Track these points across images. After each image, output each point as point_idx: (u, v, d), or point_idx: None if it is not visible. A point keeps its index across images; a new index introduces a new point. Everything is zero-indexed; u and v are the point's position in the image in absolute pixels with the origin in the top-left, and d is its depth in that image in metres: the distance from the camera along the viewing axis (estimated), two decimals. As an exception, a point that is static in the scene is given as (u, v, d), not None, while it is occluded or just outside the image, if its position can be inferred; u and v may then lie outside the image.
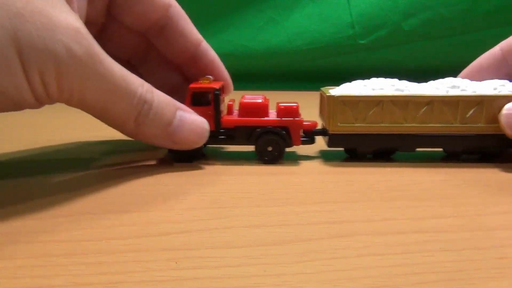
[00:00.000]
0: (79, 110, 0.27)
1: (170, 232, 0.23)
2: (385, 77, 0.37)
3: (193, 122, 0.31)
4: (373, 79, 0.36)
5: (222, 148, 0.40)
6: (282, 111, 0.35)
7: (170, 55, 0.37)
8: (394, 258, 0.20)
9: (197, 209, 0.26)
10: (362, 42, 0.92)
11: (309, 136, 0.36)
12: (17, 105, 0.23)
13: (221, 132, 0.35)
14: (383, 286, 0.18)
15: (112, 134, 0.33)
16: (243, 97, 0.36)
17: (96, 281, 0.18)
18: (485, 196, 0.28)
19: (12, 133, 0.47)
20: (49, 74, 0.23)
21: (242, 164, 0.35)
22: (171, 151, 0.34)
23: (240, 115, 0.35)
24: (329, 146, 0.36)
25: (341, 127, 0.35)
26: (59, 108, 0.32)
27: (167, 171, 0.33)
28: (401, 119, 0.34)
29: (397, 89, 0.35)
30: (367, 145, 0.36)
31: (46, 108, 0.27)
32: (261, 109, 0.35)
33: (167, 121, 0.29)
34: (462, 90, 0.35)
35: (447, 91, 0.35)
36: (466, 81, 0.36)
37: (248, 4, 0.90)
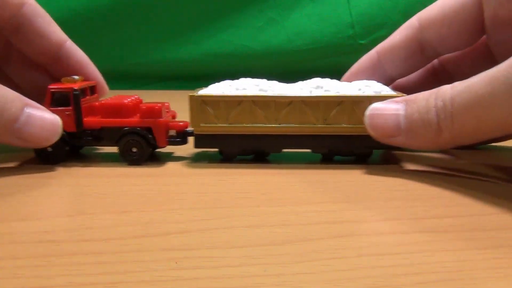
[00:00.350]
0: None
1: (170, 232, 0.23)
2: (253, 77, 0.37)
3: (42, 118, 0.30)
4: (241, 79, 0.36)
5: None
6: (145, 112, 0.34)
7: (31, 55, 0.36)
8: (394, 258, 0.20)
9: (197, 209, 0.26)
10: (362, 42, 0.92)
11: (181, 136, 0.36)
12: None
13: (87, 133, 0.35)
14: (383, 286, 0.18)
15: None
16: (111, 97, 0.37)
17: (96, 281, 0.18)
18: (485, 196, 0.28)
19: None
20: None
21: (242, 165, 0.35)
22: (36, 151, 0.34)
23: (104, 115, 0.35)
24: (195, 147, 0.35)
25: (204, 127, 0.34)
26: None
27: (167, 171, 0.33)
28: (263, 119, 0.34)
29: (261, 89, 0.35)
30: (232, 146, 0.35)
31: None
32: (127, 110, 0.35)
33: (12, 117, 0.28)
34: (326, 90, 0.35)
35: (311, 92, 0.35)
36: (334, 81, 0.36)
37: (248, 4, 0.90)
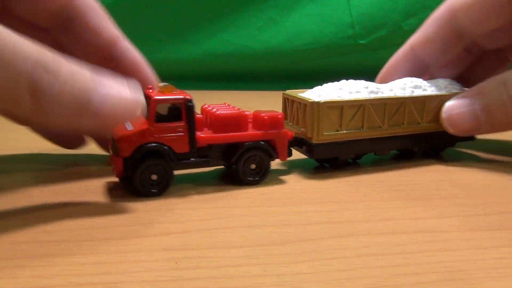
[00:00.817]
0: None
1: (170, 232, 0.23)
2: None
3: (120, 97, 0.24)
4: (343, 81, 0.34)
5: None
6: (267, 123, 0.30)
7: (81, 56, 0.29)
8: (394, 258, 0.20)
9: (197, 209, 0.26)
10: (362, 42, 0.92)
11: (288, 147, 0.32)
12: None
13: (193, 153, 0.28)
14: (383, 286, 0.18)
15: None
16: (213, 108, 0.31)
17: (96, 281, 0.18)
18: (485, 196, 0.28)
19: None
20: None
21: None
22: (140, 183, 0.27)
23: (214, 129, 0.29)
24: (314, 157, 0.33)
25: (327, 135, 0.32)
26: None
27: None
28: (378, 122, 0.34)
29: (371, 92, 0.34)
30: (349, 152, 0.34)
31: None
32: (237, 121, 0.30)
33: (81, 92, 0.23)
34: (424, 90, 0.36)
35: (413, 92, 0.36)
36: (419, 80, 0.37)
37: (248, 4, 0.90)
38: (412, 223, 0.24)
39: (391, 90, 0.35)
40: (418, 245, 0.21)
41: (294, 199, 0.28)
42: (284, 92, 0.35)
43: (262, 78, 0.87)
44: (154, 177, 0.27)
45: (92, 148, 0.39)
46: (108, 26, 0.31)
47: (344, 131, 0.32)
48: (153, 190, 0.27)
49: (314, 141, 0.31)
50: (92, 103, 0.23)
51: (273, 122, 0.30)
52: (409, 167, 0.35)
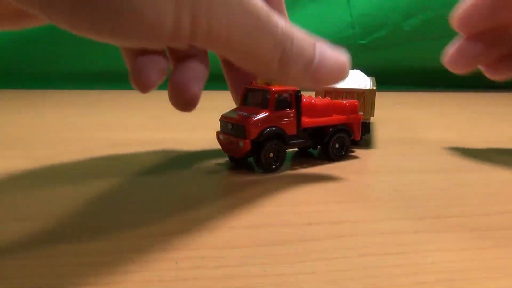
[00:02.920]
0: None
1: (170, 232, 0.23)
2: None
3: (333, 57, 0.28)
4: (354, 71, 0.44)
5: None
6: (349, 109, 0.37)
7: None
8: (394, 258, 0.20)
9: (197, 209, 0.26)
10: (362, 42, 0.92)
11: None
12: (150, 30, 0.20)
13: (302, 135, 0.35)
14: (383, 286, 0.18)
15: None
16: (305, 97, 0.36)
17: (96, 281, 0.18)
18: (485, 196, 0.28)
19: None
20: (199, 9, 0.21)
21: (242, 165, 0.35)
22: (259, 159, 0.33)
23: (311, 115, 0.36)
24: (368, 132, 0.42)
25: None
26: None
27: (167, 172, 0.33)
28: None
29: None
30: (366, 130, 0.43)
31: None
32: (324, 108, 0.37)
33: (309, 57, 0.27)
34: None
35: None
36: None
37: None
38: (413, 223, 0.24)
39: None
40: (418, 245, 0.21)
41: (294, 199, 0.28)
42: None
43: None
44: (271, 155, 0.33)
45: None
46: None
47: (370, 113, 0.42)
48: (273, 166, 0.34)
49: (370, 120, 0.42)
50: (314, 64, 0.27)
51: (352, 108, 0.38)
52: (409, 167, 0.35)
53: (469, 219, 0.25)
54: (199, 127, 0.51)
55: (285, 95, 0.34)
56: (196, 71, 0.28)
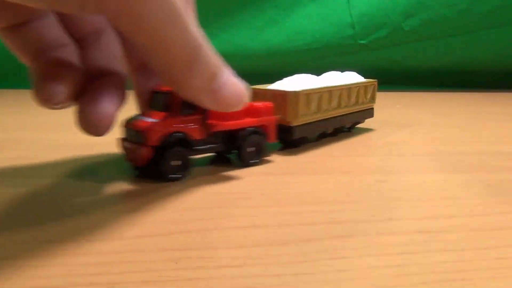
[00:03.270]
0: None
1: (170, 232, 0.23)
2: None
3: (236, 84, 0.28)
4: (296, 76, 0.43)
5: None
6: (261, 111, 0.35)
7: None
8: (394, 258, 0.20)
9: (197, 209, 0.26)
10: (362, 42, 0.92)
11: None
12: None
13: (211, 140, 0.33)
14: (383, 286, 0.18)
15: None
16: None
17: (96, 281, 0.18)
18: (485, 196, 0.28)
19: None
20: None
21: (240, 165, 0.35)
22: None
23: (217, 119, 0.33)
24: (294, 137, 0.39)
25: (303, 118, 0.40)
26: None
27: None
28: (332, 105, 0.44)
29: (327, 82, 0.44)
30: (315, 131, 0.43)
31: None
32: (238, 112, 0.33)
33: (215, 73, 0.26)
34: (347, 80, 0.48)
35: (347, 81, 0.47)
36: (338, 73, 0.49)
37: (248, 4, 0.90)
38: (412, 223, 0.24)
39: (330, 80, 0.45)
40: (418, 245, 0.21)
41: (294, 199, 0.28)
42: (253, 87, 0.40)
43: (262, 78, 0.87)
44: (175, 162, 0.31)
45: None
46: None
47: (313, 115, 0.41)
48: (178, 175, 0.31)
49: (293, 124, 0.39)
50: (218, 83, 0.26)
51: (266, 110, 0.36)
52: (409, 167, 0.35)
53: (469, 219, 0.25)
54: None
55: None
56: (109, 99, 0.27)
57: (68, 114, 0.58)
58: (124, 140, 0.32)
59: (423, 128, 0.53)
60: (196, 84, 0.26)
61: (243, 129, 0.34)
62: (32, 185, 0.30)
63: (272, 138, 0.36)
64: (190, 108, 0.31)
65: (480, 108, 0.75)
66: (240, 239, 0.22)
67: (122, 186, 0.30)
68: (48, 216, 0.24)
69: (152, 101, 0.31)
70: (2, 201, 0.27)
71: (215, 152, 0.35)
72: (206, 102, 0.27)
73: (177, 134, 0.31)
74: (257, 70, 0.86)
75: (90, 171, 0.34)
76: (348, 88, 0.46)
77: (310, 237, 0.22)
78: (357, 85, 0.48)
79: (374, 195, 0.28)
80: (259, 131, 0.35)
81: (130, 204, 0.26)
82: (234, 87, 0.28)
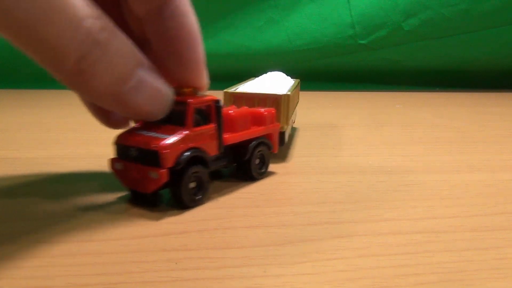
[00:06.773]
0: None
1: (170, 232, 0.23)
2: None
3: (154, 87, 0.23)
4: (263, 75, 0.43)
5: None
6: (267, 119, 0.31)
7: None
8: (394, 259, 0.20)
9: (197, 209, 0.26)
10: (362, 42, 0.92)
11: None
12: None
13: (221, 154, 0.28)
14: (383, 286, 0.18)
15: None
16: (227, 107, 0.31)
17: (95, 282, 0.18)
18: (485, 196, 0.28)
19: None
20: None
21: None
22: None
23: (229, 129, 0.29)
24: (282, 145, 0.36)
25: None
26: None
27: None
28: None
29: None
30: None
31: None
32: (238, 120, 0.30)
33: (122, 75, 0.22)
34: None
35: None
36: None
37: (248, 4, 0.90)
38: (412, 223, 0.24)
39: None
40: (418, 245, 0.21)
41: (294, 200, 0.28)
42: (226, 90, 0.37)
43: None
44: (193, 185, 0.27)
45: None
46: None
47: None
48: (196, 198, 0.27)
49: (285, 129, 0.36)
50: (127, 86, 0.22)
51: (271, 117, 0.32)
52: (409, 167, 0.35)
53: (469, 219, 0.25)
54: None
55: (203, 106, 0.26)
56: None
57: (68, 114, 0.57)
58: (117, 161, 0.26)
59: (423, 128, 0.53)
60: (99, 86, 0.21)
61: (252, 140, 0.30)
62: (32, 185, 0.30)
63: (276, 148, 0.33)
64: (202, 119, 0.26)
65: (480, 108, 0.75)
66: (240, 239, 0.22)
67: (122, 186, 0.30)
68: (47, 217, 0.24)
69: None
70: (2, 201, 0.27)
71: (224, 167, 0.31)
72: (113, 108, 0.23)
73: (194, 151, 0.26)
74: (257, 70, 0.86)
75: (90, 171, 0.34)
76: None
77: (310, 237, 0.22)
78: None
79: (374, 195, 0.28)
80: (266, 141, 0.31)
81: (130, 205, 0.26)
82: (150, 90, 0.23)
